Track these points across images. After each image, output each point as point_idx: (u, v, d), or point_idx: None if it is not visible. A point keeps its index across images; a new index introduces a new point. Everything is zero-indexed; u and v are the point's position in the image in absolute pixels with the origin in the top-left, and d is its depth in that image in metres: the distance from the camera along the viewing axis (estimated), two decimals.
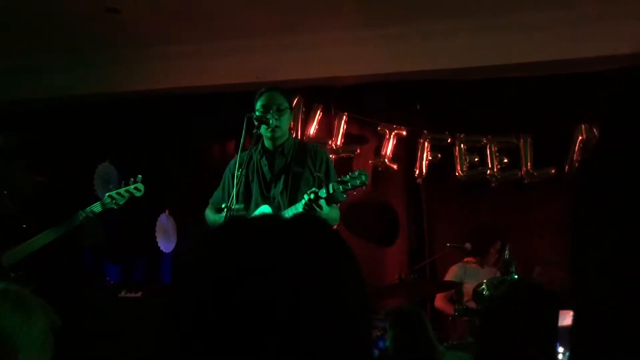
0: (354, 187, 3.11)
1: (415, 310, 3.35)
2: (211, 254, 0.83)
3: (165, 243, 5.58)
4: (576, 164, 5.11)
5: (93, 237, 3.76)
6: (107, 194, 3.73)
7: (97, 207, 3.70)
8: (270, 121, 3.39)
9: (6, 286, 1.25)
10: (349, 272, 0.85)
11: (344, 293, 0.82)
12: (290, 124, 3.59)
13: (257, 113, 3.41)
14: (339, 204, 3.40)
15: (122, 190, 3.72)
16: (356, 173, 3.13)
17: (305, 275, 0.79)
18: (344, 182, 3.10)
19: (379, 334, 3.63)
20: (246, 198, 3.46)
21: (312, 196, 3.05)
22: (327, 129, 5.50)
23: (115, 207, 3.74)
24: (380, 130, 5.44)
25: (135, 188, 3.74)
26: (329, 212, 3.22)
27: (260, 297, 0.76)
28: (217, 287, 0.78)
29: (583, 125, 5.09)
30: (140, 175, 3.76)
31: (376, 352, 3.32)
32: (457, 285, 4.62)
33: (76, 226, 3.70)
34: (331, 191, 3.08)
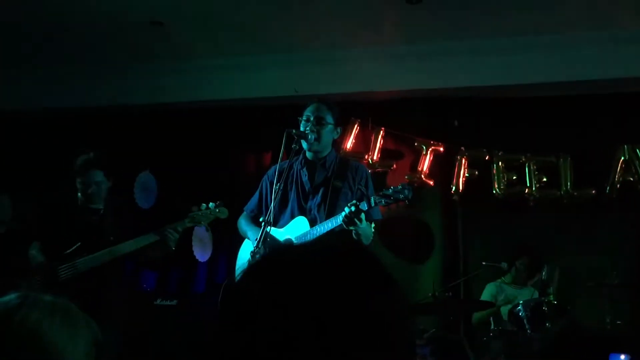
0: (397, 201, 3.09)
1: (458, 339, 3.31)
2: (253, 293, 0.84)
3: (201, 252, 5.65)
4: (617, 185, 5.01)
5: (163, 251, 3.95)
6: (190, 214, 3.87)
7: (181, 225, 3.85)
8: (309, 136, 3.40)
9: (54, 299, 1.28)
10: (397, 317, 0.85)
11: (391, 335, 0.82)
12: (333, 138, 3.55)
13: (301, 123, 3.43)
14: (372, 223, 3.40)
15: (206, 212, 3.86)
16: (399, 187, 3.10)
17: (353, 319, 0.80)
18: (387, 196, 3.08)
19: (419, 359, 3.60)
20: (282, 206, 3.48)
21: (352, 209, 3.04)
22: (363, 143, 5.51)
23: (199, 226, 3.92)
24: (416, 145, 5.43)
25: (220, 211, 3.87)
26: (366, 227, 3.22)
27: (304, 338, 0.77)
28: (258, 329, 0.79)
29: (625, 146, 5.00)
30: (220, 201, 3.90)
31: None
32: (491, 305, 4.56)
33: (157, 240, 3.83)
34: (373, 204, 3.08)
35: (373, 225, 3.42)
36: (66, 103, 6.05)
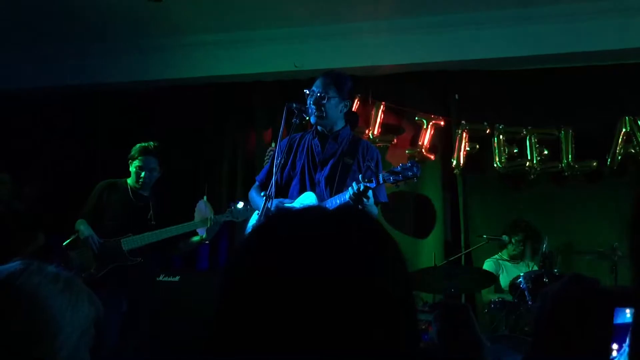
0: (405, 179, 3.08)
1: (462, 305, 3.32)
2: (259, 250, 0.84)
3: (204, 229, 5.65)
4: (618, 157, 4.99)
5: (190, 245, 4.29)
6: (230, 209, 4.20)
7: (221, 218, 4.18)
8: (309, 110, 3.39)
9: (58, 271, 1.28)
10: (395, 266, 0.85)
11: (391, 287, 0.82)
12: (341, 111, 3.50)
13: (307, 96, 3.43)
14: (379, 205, 3.42)
15: (244, 209, 4.14)
16: (408, 164, 3.11)
17: (353, 270, 0.80)
18: (395, 173, 3.08)
19: (423, 327, 3.62)
20: (290, 176, 3.48)
21: (361, 187, 3.04)
22: (364, 118, 5.49)
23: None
24: (417, 120, 5.40)
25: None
26: (372, 205, 3.23)
27: (306, 290, 0.77)
28: (259, 281, 0.79)
29: (626, 117, 4.97)
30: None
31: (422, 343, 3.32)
32: (493, 277, 4.58)
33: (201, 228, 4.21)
34: (382, 181, 3.08)
35: (379, 206, 3.44)
36: (60, 82, 6.03)
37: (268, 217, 0.94)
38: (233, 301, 0.82)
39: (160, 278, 5.06)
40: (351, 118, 3.66)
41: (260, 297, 0.79)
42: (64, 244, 4.04)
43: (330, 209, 0.93)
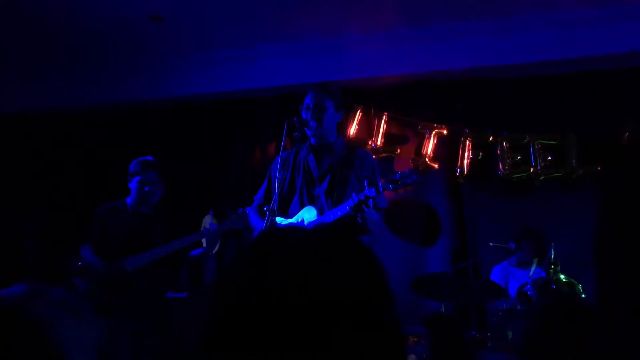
0: (405, 186, 3.13)
1: (450, 317, 3.33)
2: (246, 269, 0.87)
3: (210, 244, 5.66)
4: (624, 162, 4.98)
5: (194, 258, 4.24)
6: (231, 217, 4.07)
7: (222, 227, 4.04)
8: (311, 123, 3.41)
9: (64, 294, 1.29)
10: (374, 282, 0.87)
11: (369, 304, 0.84)
12: (336, 122, 3.54)
13: (302, 111, 3.44)
14: (380, 211, 3.42)
15: (244, 215, 4.01)
16: (407, 172, 3.15)
17: (337, 291, 0.82)
18: (394, 181, 3.12)
19: (415, 339, 3.62)
20: (289, 194, 3.49)
21: (362, 197, 3.06)
22: (367, 129, 5.51)
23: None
24: (420, 129, 5.42)
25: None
26: (371, 211, 3.24)
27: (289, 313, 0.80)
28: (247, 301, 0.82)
29: (630, 121, 4.97)
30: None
31: (413, 356, 3.32)
32: (501, 287, 4.57)
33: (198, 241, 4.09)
34: (381, 190, 3.09)
35: (381, 212, 3.44)
36: (67, 102, 6.08)
37: (256, 237, 0.97)
38: (223, 314, 0.84)
39: (168, 295, 5.11)
40: (338, 127, 3.70)
41: (247, 310, 0.82)
42: (69, 272, 4.02)
43: (312, 227, 0.96)
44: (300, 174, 3.49)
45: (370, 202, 3.09)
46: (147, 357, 3.96)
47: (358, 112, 5.51)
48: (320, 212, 3.37)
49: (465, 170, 5.26)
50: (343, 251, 0.87)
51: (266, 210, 3.32)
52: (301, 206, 3.45)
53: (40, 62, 5.95)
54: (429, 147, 5.35)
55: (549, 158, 5.15)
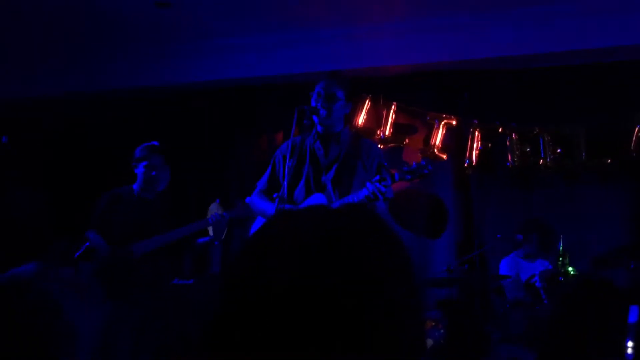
0: (421, 176, 3.21)
1: (467, 302, 3.33)
2: (263, 251, 0.82)
3: (216, 233, 5.66)
4: (634, 154, 4.95)
5: (200, 245, 4.25)
6: (235, 207, 4.18)
7: (227, 215, 4.11)
8: (321, 112, 3.40)
9: (73, 275, 1.29)
10: (400, 269, 0.83)
11: (394, 292, 0.80)
12: (345, 113, 3.53)
13: (312, 98, 3.43)
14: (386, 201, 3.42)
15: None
16: (422, 162, 3.23)
17: (358, 272, 0.79)
18: (412, 172, 3.18)
19: (432, 324, 3.61)
20: (295, 181, 3.47)
21: (379, 187, 3.07)
22: (375, 119, 5.48)
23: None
24: (429, 120, 5.39)
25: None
26: (379, 202, 3.24)
27: (312, 293, 0.76)
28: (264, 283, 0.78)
29: None
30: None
31: (430, 341, 3.32)
32: (508, 278, 4.55)
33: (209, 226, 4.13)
34: (397, 179, 3.11)
35: (387, 202, 3.43)
36: (70, 87, 6.07)
37: (269, 220, 0.91)
38: (232, 305, 0.81)
39: (175, 282, 5.11)
40: (346, 119, 3.69)
41: (261, 300, 0.78)
42: (75, 255, 4.02)
43: (335, 207, 0.91)
44: (307, 161, 3.48)
45: (385, 190, 3.10)
46: (149, 343, 3.98)
47: (367, 101, 5.48)
48: (328, 201, 3.35)
49: (474, 162, 5.24)
50: (371, 236, 0.83)
51: (275, 198, 3.30)
52: (307, 193, 3.44)
53: (39, 48, 5.92)
54: (438, 137, 5.32)
55: (558, 150, 5.12)
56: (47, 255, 4.35)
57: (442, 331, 2.91)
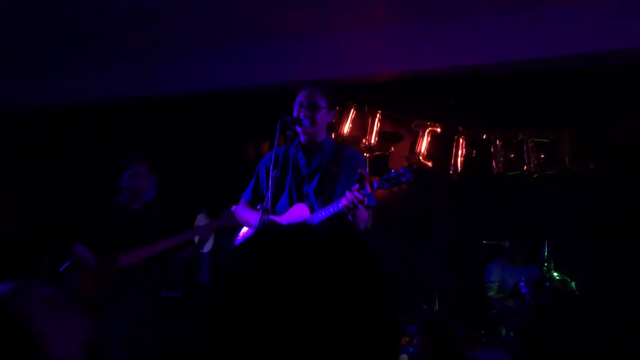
0: (399, 184, 3.09)
1: (443, 315, 3.33)
2: (244, 264, 0.85)
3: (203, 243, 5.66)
4: (617, 159, 4.99)
5: (187, 255, 4.22)
6: (221, 215, 4.19)
7: (212, 224, 4.20)
8: (304, 122, 3.39)
9: (49, 292, 1.28)
10: (377, 287, 0.86)
11: (371, 310, 0.83)
12: (328, 122, 3.53)
13: (294, 109, 3.42)
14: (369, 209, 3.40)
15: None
16: (401, 170, 3.11)
17: (336, 289, 0.80)
18: (389, 180, 3.08)
19: (407, 339, 3.62)
20: (278, 192, 3.46)
21: (357, 195, 3.04)
22: (360, 127, 5.50)
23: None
24: (414, 127, 5.41)
25: None
26: (361, 210, 3.22)
27: (289, 306, 0.78)
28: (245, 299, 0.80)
29: (623, 118, 4.97)
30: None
31: (405, 356, 3.32)
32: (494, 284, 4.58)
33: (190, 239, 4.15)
34: (375, 188, 3.08)
35: (371, 210, 3.43)
36: (56, 99, 6.05)
37: (256, 232, 0.94)
38: (219, 313, 0.82)
39: (162, 294, 5.10)
40: (329, 127, 3.67)
41: (246, 309, 0.79)
42: (61, 269, 3.99)
43: (315, 223, 0.94)
44: (289, 171, 3.47)
45: (366, 200, 3.07)
46: (138, 353, 3.95)
47: (352, 110, 5.50)
48: (310, 210, 3.35)
49: (459, 168, 5.26)
50: (348, 253, 0.85)
51: (259, 209, 3.30)
52: (290, 203, 3.44)
53: (32, 59, 5.91)
54: (423, 145, 5.35)
55: (542, 156, 5.16)
56: (32, 270, 4.32)
57: (417, 346, 2.91)
